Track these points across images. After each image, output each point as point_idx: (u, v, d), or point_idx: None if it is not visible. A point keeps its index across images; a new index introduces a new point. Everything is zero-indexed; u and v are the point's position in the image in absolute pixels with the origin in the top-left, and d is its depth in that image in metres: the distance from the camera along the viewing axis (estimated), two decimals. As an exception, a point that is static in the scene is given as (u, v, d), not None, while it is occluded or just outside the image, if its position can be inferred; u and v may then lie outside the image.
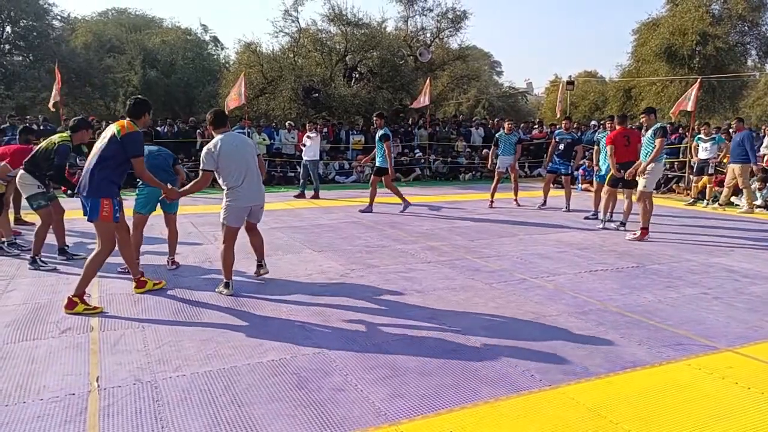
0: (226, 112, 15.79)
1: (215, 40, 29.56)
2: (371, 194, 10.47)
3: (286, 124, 16.80)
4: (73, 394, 3.22)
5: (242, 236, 5.36)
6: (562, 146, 10.72)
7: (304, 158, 12.71)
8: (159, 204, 5.78)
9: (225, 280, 5.13)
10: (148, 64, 24.23)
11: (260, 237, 5.61)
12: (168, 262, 6.08)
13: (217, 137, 4.92)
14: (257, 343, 3.98)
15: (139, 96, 4.93)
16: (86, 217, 4.60)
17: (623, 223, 8.60)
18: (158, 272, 5.78)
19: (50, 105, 14.78)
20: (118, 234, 4.85)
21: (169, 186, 5.23)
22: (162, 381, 3.39)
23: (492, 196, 11.28)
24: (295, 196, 12.21)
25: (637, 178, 7.99)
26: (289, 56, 20.46)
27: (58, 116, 15.51)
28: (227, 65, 26.30)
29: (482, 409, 3.11)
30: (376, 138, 10.37)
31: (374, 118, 10.54)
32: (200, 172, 4.94)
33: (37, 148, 6.05)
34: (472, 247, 7.28)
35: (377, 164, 10.40)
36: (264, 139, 15.73)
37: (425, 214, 10.19)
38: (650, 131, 7.81)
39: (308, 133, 12.87)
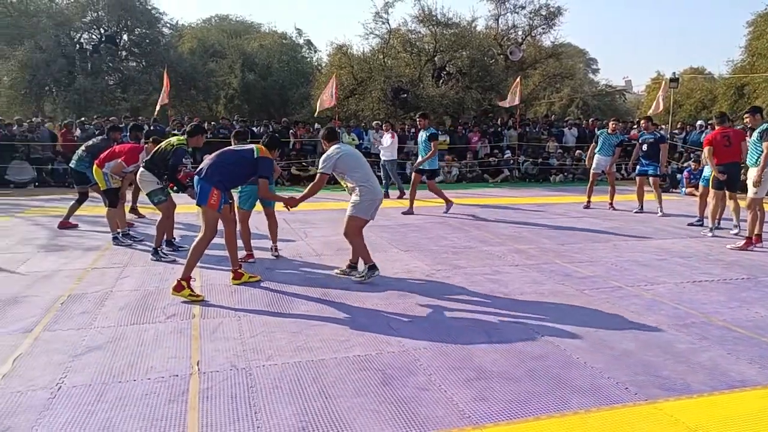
0: (316, 114, 16.40)
1: (309, 43, 30.52)
2: (411, 195, 10.18)
3: (374, 124, 17.04)
4: (177, 375, 3.46)
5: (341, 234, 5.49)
6: (645, 147, 10.13)
7: (382, 159, 12.87)
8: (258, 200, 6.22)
9: (368, 265, 5.48)
10: (247, 68, 25.45)
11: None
12: (272, 249, 6.59)
13: (335, 146, 5.47)
14: (344, 338, 4.08)
15: (276, 134, 5.79)
16: (195, 202, 5.04)
17: (736, 226, 8.02)
18: (253, 268, 6.08)
19: (158, 108, 15.94)
20: (226, 226, 5.39)
21: (287, 195, 5.70)
22: (255, 368, 3.57)
23: (588, 196, 10.88)
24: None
25: (747, 183, 7.39)
26: (379, 57, 20.75)
27: (166, 117, 16.71)
28: (319, 67, 27.10)
29: (571, 419, 3.00)
30: (422, 138, 10.02)
31: (418, 119, 10.25)
32: (318, 175, 5.42)
33: (157, 148, 6.56)
34: (562, 251, 7.04)
35: (426, 166, 10.02)
36: (353, 140, 16.07)
37: (513, 216, 9.97)
38: (756, 133, 7.20)
39: (385, 134, 13.05)
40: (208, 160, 5.13)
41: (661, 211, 10.01)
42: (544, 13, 21.19)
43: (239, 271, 5.50)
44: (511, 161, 17.09)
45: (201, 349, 3.86)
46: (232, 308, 4.75)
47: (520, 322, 4.47)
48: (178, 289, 4.90)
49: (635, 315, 4.65)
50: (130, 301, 4.90)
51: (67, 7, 22.88)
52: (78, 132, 14.80)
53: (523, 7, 21.19)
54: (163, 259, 6.31)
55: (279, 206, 6.07)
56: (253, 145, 5.25)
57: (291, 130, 16.75)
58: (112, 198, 7.21)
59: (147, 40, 23.79)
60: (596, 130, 12.71)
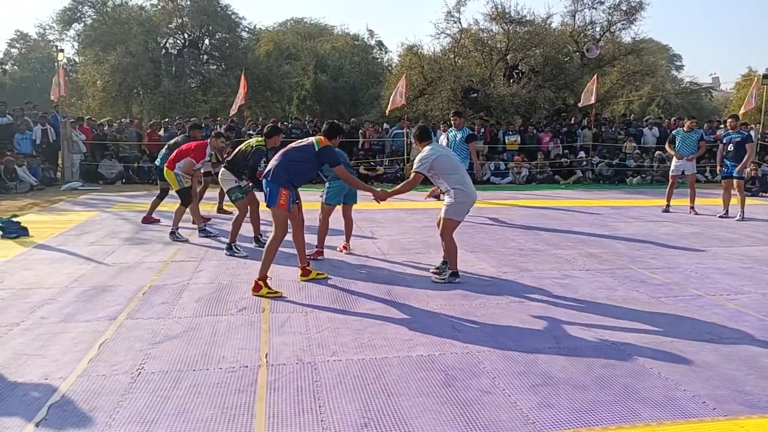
0: (387, 112, 16.50)
1: (380, 44, 30.79)
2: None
3: (441, 125, 16.95)
4: (246, 366, 3.60)
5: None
6: (731, 147, 9.48)
7: None
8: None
9: (451, 271, 5.52)
10: (319, 69, 26.01)
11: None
12: (341, 247, 6.79)
13: (428, 146, 5.51)
14: (407, 337, 4.10)
15: (335, 121, 5.68)
16: (265, 204, 5.17)
17: None
18: (320, 265, 6.22)
19: (233, 110, 16.57)
20: (294, 225, 5.50)
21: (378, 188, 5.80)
22: (321, 363, 3.65)
23: (668, 200, 10.38)
24: (427, 197, 12.23)
25: None
26: (449, 57, 20.61)
27: (243, 118, 17.36)
28: (390, 68, 27.27)
29: (642, 431, 2.88)
30: (458, 139, 9.10)
31: (452, 117, 9.40)
32: (412, 174, 5.45)
33: (237, 149, 6.88)
34: (637, 256, 6.74)
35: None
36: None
37: (585, 218, 9.63)
38: None
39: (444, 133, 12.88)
40: (273, 161, 5.21)
41: (741, 216, 9.40)
42: (624, 8, 20.28)
43: (307, 268, 5.64)
44: (584, 162, 16.52)
45: (269, 342, 3.99)
46: (300, 304, 4.88)
47: (589, 328, 4.32)
48: (256, 289, 5.04)
49: (716, 326, 4.39)
50: (204, 294, 5.14)
51: (155, 14, 24.24)
52: (162, 132, 15.67)
53: (602, 2, 20.37)
54: (236, 254, 6.57)
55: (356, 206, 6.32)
56: (312, 138, 5.28)
57: (360, 130, 16.97)
58: (185, 197, 7.58)
59: (227, 44, 24.79)
60: (672, 130, 12.05)
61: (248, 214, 6.92)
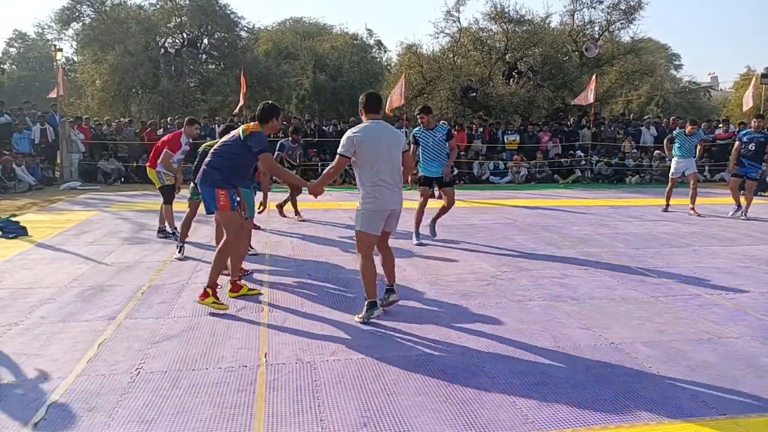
0: (388, 111, 16.51)
1: (379, 43, 30.73)
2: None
3: (441, 122, 16.97)
4: (246, 366, 3.60)
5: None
6: (752, 146, 9.48)
7: None
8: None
9: (369, 300, 4.37)
10: (318, 69, 25.97)
11: (392, 253, 4.71)
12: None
13: (365, 123, 4.40)
14: (407, 337, 4.10)
15: (270, 102, 4.89)
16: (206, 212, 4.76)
17: None
18: (319, 268, 6.20)
19: (236, 111, 16.57)
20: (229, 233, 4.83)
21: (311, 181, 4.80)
22: (320, 363, 3.65)
23: (667, 200, 10.31)
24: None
25: None
26: (449, 56, 20.62)
27: (242, 117, 17.33)
28: (389, 67, 27.25)
29: (641, 430, 2.88)
30: (437, 139, 7.15)
31: (419, 115, 7.24)
32: (336, 156, 4.40)
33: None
34: (636, 255, 6.74)
35: (435, 173, 7.30)
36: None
37: (584, 218, 9.63)
38: None
39: None
40: (204, 163, 4.71)
41: (744, 215, 9.43)
42: (623, 8, 20.29)
43: (238, 283, 5.10)
44: (583, 161, 16.53)
45: (269, 342, 3.99)
46: (299, 303, 4.88)
47: (587, 327, 4.32)
48: (203, 296, 4.62)
49: (715, 325, 4.39)
50: (204, 293, 5.13)
51: (154, 13, 24.19)
52: (161, 131, 15.65)
53: (601, 2, 20.37)
54: (250, 251, 6.54)
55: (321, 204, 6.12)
56: (238, 129, 4.70)
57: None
58: (167, 195, 7.44)
59: (225, 44, 24.74)
60: (673, 130, 12.02)
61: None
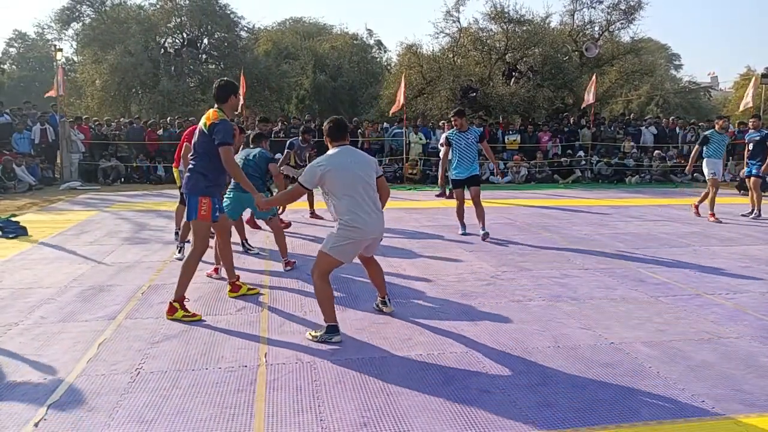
0: (390, 113, 16.47)
1: (379, 43, 30.72)
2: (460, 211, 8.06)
3: (440, 123, 16.94)
4: (245, 366, 3.60)
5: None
6: (751, 146, 9.53)
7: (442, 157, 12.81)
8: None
9: (327, 324, 4.02)
10: (318, 69, 25.96)
11: (379, 267, 4.60)
12: (284, 264, 5.97)
13: (331, 151, 4.10)
14: (407, 337, 4.10)
15: (225, 78, 4.68)
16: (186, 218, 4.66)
17: None
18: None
19: (237, 110, 16.55)
20: (220, 235, 4.93)
21: (261, 194, 4.83)
22: (320, 363, 3.65)
23: (711, 207, 9.32)
24: (437, 195, 12.25)
25: None
26: (449, 56, 20.60)
27: (242, 117, 17.32)
28: (389, 67, 27.24)
29: (642, 430, 2.88)
30: (469, 141, 7.61)
31: (453, 118, 7.80)
32: (294, 185, 4.14)
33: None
34: (636, 255, 6.74)
35: (472, 173, 7.72)
36: (420, 139, 16.09)
37: (584, 217, 9.63)
38: None
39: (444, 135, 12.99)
40: (188, 170, 4.51)
41: (758, 213, 9.45)
42: (623, 8, 20.27)
43: (237, 283, 5.08)
44: (583, 161, 16.52)
45: (269, 342, 3.99)
46: (299, 303, 4.88)
47: (588, 327, 4.32)
48: (170, 312, 4.41)
49: (715, 325, 4.39)
50: (204, 293, 5.13)
51: (154, 13, 24.18)
52: (160, 131, 15.65)
53: (601, 2, 20.35)
54: (249, 251, 6.61)
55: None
56: (201, 121, 4.46)
57: (359, 130, 16.96)
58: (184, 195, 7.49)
59: (225, 44, 24.73)
60: (701, 130, 11.75)
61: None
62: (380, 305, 4.64)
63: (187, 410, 3.04)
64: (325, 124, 4.24)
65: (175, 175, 7.50)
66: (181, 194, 7.42)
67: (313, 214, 9.19)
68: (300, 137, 9.06)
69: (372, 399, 3.18)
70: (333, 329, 4.01)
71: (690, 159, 10.19)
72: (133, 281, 5.50)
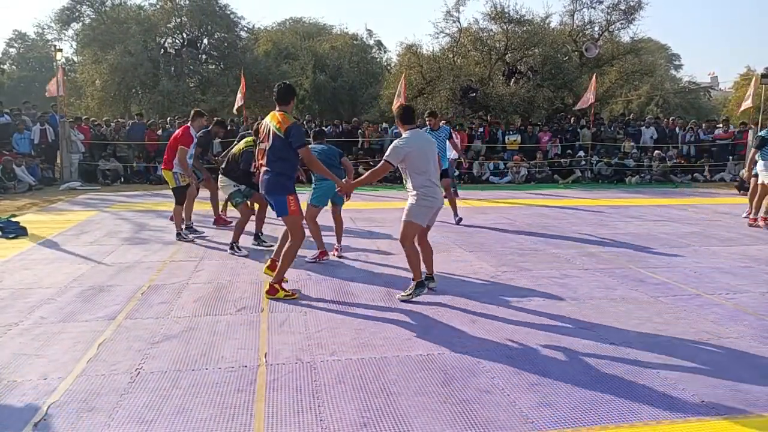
0: (394, 109, 16.45)
1: (379, 43, 30.71)
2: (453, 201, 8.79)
3: (440, 123, 16.93)
4: (245, 366, 3.60)
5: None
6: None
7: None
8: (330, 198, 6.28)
9: (416, 282, 4.90)
10: (318, 69, 25.96)
11: (430, 246, 5.24)
12: (335, 250, 6.58)
13: (407, 133, 4.85)
14: (406, 337, 4.10)
15: (285, 81, 5.19)
16: (275, 214, 4.98)
17: None
18: (319, 264, 6.22)
19: (234, 110, 16.54)
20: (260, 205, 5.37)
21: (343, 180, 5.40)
22: (320, 363, 3.65)
23: (757, 210, 9.00)
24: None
25: None
26: (448, 56, 20.60)
27: (242, 117, 17.32)
28: (389, 67, 27.24)
29: (641, 430, 2.88)
30: (439, 139, 7.84)
31: (427, 118, 8.43)
32: (381, 162, 4.86)
33: (230, 154, 6.92)
34: (636, 255, 6.74)
35: (443, 167, 8.15)
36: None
37: (584, 217, 9.64)
38: None
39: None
40: (263, 174, 4.89)
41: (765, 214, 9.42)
42: (623, 8, 20.27)
43: (275, 285, 5.05)
44: (583, 161, 16.53)
45: (268, 342, 3.99)
46: (299, 303, 4.88)
47: (587, 327, 4.32)
48: (272, 292, 4.93)
49: (715, 325, 4.39)
50: (204, 294, 5.14)
51: (154, 13, 24.17)
52: (160, 132, 15.64)
53: (601, 2, 20.35)
54: (237, 254, 6.57)
55: (345, 206, 6.14)
56: (270, 125, 4.82)
57: (360, 130, 16.97)
58: (180, 196, 7.50)
59: (225, 44, 24.73)
60: (759, 130, 10.63)
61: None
62: (427, 282, 5.11)
63: (187, 410, 3.05)
64: (396, 109, 5.16)
65: (168, 176, 7.50)
66: (176, 194, 7.45)
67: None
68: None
69: (372, 399, 3.18)
70: (421, 284, 4.91)
71: (748, 162, 9.73)
72: (133, 281, 5.50)
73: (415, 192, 4.81)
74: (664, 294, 5.20)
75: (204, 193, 8.78)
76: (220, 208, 8.77)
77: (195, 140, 7.44)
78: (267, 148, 4.84)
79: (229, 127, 16.24)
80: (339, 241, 6.66)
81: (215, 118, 9.12)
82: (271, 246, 6.75)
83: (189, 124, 7.49)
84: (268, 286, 5.01)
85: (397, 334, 4.17)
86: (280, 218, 4.94)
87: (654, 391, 3.29)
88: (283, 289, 4.97)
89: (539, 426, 2.91)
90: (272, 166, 4.81)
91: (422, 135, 4.99)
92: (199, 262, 6.31)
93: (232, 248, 6.66)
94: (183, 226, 7.59)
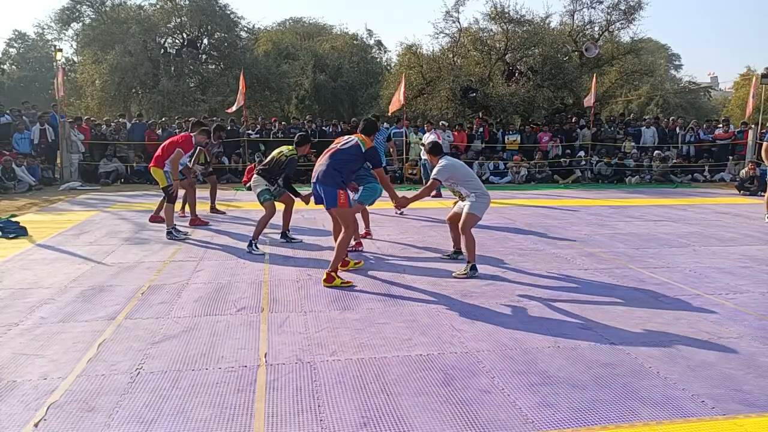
0: (390, 113, 16.47)
1: (379, 43, 30.72)
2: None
3: (440, 123, 16.93)
4: (245, 366, 3.60)
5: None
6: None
7: (423, 157, 13.09)
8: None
9: (471, 264, 5.72)
10: (318, 69, 25.97)
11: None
12: (365, 233, 7.36)
13: (442, 160, 5.89)
14: (406, 337, 4.10)
15: (372, 117, 6.17)
16: (324, 206, 5.39)
17: None
18: (319, 266, 6.22)
19: (232, 109, 16.49)
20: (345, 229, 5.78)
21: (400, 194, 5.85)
22: (320, 363, 3.65)
23: None
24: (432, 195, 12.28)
25: None
26: (448, 56, 20.60)
27: (242, 118, 17.32)
28: (389, 67, 27.24)
29: (641, 430, 2.88)
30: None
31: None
32: (431, 180, 5.82)
33: (270, 157, 7.06)
34: (636, 255, 6.74)
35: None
36: (420, 139, 16.07)
37: (584, 217, 9.64)
38: None
39: (427, 134, 13.42)
40: (320, 165, 5.37)
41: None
42: (623, 8, 20.26)
43: (345, 258, 5.80)
44: (583, 162, 16.52)
45: (268, 342, 3.99)
46: (299, 303, 4.88)
47: (587, 327, 4.32)
48: (329, 280, 5.31)
49: (715, 325, 4.39)
50: (203, 294, 5.13)
51: (154, 13, 24.16)
52: (160, 131, 15.64)
53: (601, 2, 20.34)
54: (254, 252, 6.63)
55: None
56: (355, 138, 5.44)
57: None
58: (171, 195, 7.52)
59: (225, 44, 24.71)
60: (760, 130, 10.75)
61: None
62: (453, 254, 6.43)
63: (187, 410, 3.04)
64: (426, 145, 6.47)
65: (159, 175, 7.50)
66: (167, 193, 7.54)
67: (213, 209, 9.65)
68: (213, 134, 9.13)
69: (372, 399, 3.18)
70: (475, 267, 5.72)
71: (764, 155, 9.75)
72: (133, 281, 5.50)
73: (473, 194, 5.79)
74: (665, 294, 5.20)
75: (201, 193, 8.77)
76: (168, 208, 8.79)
77: (194, 151, 7.56)
78: (341, 147, 5.41)
79: (229, 128, 16.30)
80: (367, 226, 7.52)
81: (214, 124, 9.19)
82: (300, 241, 7.27)
83: (193, 134, 7.59)
84: (325, 275, 5.35)
85: (396, 334, 4.17)
86: (328, 210, 5.39)
87: (654, 391, 3.29)
88: (339, 277, 5.35)
89: (539, 426, 2.91)
90: (336, 164, 5.30)
91: (453, 158, 6.20)
92: (199, 262, 6.31)
93: (250, 245, 6.75)
94: (174, 224, 7.63)
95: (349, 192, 5.74)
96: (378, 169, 5.58)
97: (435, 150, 6.11)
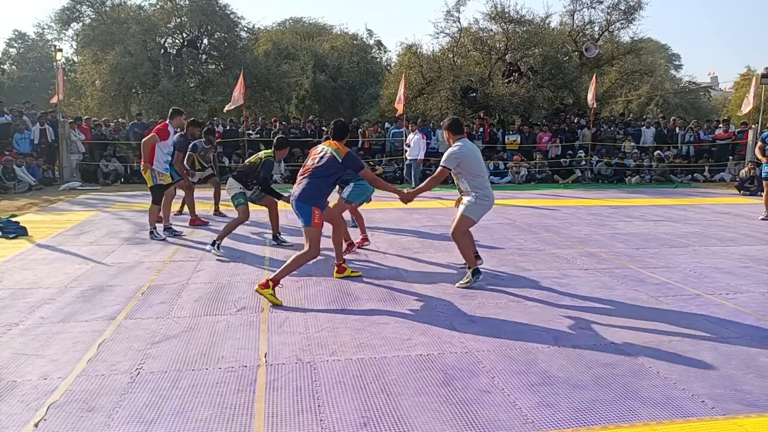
0: (398, 114, 16.47)
1: (379, 43, 30.72)
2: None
3: (441, 123, 16.94)
4: (245, 366, 3.60)
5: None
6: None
7: (408, 157, 13.16)
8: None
9: (471, 269, 5.38)
10: (318, 69, 25.97)
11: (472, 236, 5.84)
12: (362, 240, 7.09)
13: (459, 143, 5.33)
14: (407, 337, 4.10)
15: (341, 119, 5.74)
16: (301, 223, 5.02)
17: None
18: (318, 266, 6.22)
19: (227, 108, 16.44)
20: (333, 224, 5.74)
21: (406, 190, 5.61)
22: (320, 363, 3.65)
23: None
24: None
25: None
26: (449, 56, 20.60)
27: (241, 118, 17.32)
28: (389, 67, 27.23)
29: (641, 430, 2.88)
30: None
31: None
32: (438, 168, 5.34)
33: (247, 161, 6.98)
34: (636, 255, 6.74)
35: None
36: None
37: (584, 218, 9.64)
38: None
39: (411, 134, 13.51)
40: (298, 185, 5.08)
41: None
42: (623, 8, 20.27)
43: (343, 265, 5.74)
44: (583, 162, 16.53)
45: (269, 342, 3.99)
46: (299, 303, 4.88)
47: (588, 327, 4.32)
48: (263, 286, 4.88)
49: (715, 325, 4.39)
50: (203, 294, 5.14)
51: (154, 13, 24.16)
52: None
53: (601, 2, 20.34)
54: (215, 252, 6.51)
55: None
56: (328, 150, 5.09)
57: (360, 130, 16.97)
58: (157, 194, 7.50)
59: (225, 44, 24.70)
60: (760, 130, 10.97)
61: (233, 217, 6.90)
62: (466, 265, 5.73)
63: (187, 410, 3.04)
64: (445, 121, 5.56)
65: (146, 176, 7.48)
66: (153, 193, 7.46)
67: (216, 212, 9.54)
68: (203, 139, 8.99)
69: (372, 399, 3.18)
70: (477, 271, 5.37)
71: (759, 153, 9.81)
72: (133, 281, 5.50)
73: (473, 192, 5.31)
74: (664, 294, 5.20)
75: (202, 193, 8.77)
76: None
77: (171, 137, 7.49)
78: (317, 164, 5.08)
79: (228, 127, 16.31)
80: (363, 231, 7.12)
81: (191, 119, 9.13)
82: (292, 244, 7.06)
83: (167, 121, 7.57)
84: (264, 280, 4.94)
85: (396, 334, 4.17)
86: (302, 228, 5.03)
87: (654, 391, 3.29)
88: (273, 290, 4.86)
89: (539, 426, 2.91)
90: (316, 182, 5.03)
91: (471, 144, 5.43)
92: (199, 262, 6.31)
93: (213, 245, 6.61)
94: (158, 225, 7.60)
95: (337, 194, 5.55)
96: (363, 172, 5.24)
97: (455, 127, 5.43)
